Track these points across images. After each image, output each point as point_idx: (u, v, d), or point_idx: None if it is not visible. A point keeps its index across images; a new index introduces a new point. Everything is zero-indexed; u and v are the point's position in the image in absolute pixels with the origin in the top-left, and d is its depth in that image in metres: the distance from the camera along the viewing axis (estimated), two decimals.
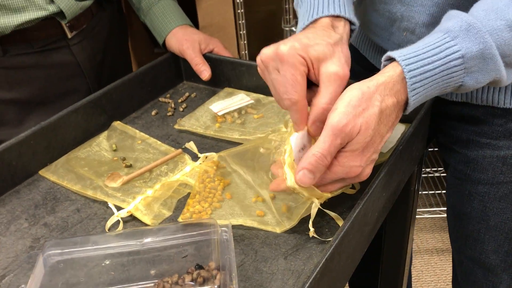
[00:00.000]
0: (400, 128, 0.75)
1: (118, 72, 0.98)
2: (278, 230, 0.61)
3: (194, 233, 0.54)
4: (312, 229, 0.58)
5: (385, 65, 0.56)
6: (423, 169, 1.81)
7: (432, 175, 1.82)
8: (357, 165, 0.53)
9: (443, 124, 0.78)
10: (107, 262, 0.55)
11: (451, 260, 1.69)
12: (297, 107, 0.55)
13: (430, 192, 1.82)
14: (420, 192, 1.82)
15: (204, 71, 0.89)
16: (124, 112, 0.88)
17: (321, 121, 0.54)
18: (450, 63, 0.53)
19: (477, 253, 0.77)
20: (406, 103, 0.55)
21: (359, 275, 1.13)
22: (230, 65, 0.92)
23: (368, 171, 0.55)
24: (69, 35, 0.84)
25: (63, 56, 0.85)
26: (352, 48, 0.90)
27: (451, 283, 1.61)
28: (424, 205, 1.82)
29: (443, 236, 1.77)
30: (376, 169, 0.65)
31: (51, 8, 0.78)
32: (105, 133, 0.82)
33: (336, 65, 0.55)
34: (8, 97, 0.84)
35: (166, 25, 0.93)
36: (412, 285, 1.62)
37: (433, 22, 0.65)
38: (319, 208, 0.58)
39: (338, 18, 0.61)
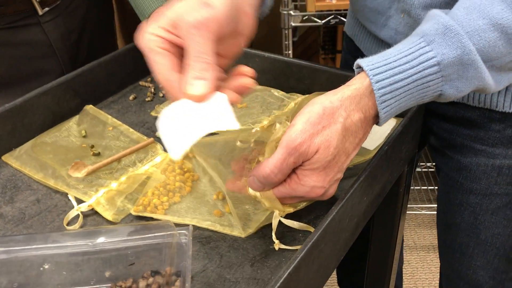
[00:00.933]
0: (391, 123, 0.69)
1: (98, 53, 0.92)
2: (233, 233, 0.56)
3: (151, 235, 0.49)
4: (276, 242, 0.53)
5: (358, 73, 0.51)
6: (422, 163, 1.76)
7: (432, 170, 1.76)
8: (319, 186, 0.48)
9: (435, 126, 0.71)
10: (56, 261, 0.50)
11: None
12: (165, 85, 0.47)
13: (430, 187, 1.76)
14: (418, 187, 1.77)
15: None
16: (100, 96, 0.83)
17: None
18: (424, 71, 0.47)
19: (465, 268, 0.72)
20: (377, 116, 0.49)
21: (346, 270, 1.09)
22: None
23: (331, 191, 0.50)
24: (40, 12, 0.78)
25: (34, 34, 0.79)
26: (348, 39, 0.84)
27: None
28: (422, 200, 1.76)
29: None
30: (358, 170, 0.60)
31: None
32: (76, 118, 0.77)
33: (193, 15, 0.44)
34: None
35: (149, 3, 0.87)
36: (407, 282, 1.58)
37: (430, 3, 0.58)
38: (284, 217, 0.54)
39: None
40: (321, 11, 1.27)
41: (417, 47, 0.47)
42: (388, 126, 0.69)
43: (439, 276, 0.84)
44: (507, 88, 0.61)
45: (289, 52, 1.30)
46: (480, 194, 0.67)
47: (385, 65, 0.47)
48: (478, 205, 0.68)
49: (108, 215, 0.59)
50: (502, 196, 0.66)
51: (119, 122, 0.76)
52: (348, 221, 0.54)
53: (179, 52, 0.48)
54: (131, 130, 0.74)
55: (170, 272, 0.47)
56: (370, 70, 0.47)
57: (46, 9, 0.79)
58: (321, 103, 0.47)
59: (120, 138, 0.72)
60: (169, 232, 0.49)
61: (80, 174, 0.65)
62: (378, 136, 0.67)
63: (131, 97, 0.83)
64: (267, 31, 1.77)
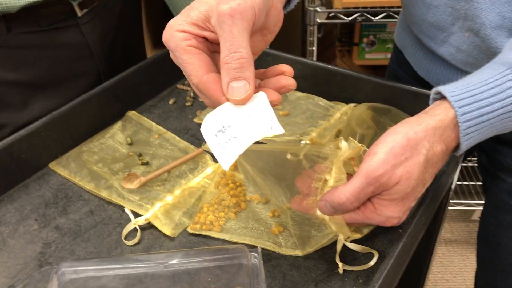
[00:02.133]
0: None
1: (131, 52, 0.91)
2: (291, 253, 0.56)
3: (221, 256, 0.50)
4: (340, 265, 0.53)
5: (434, 99, 0.50)
6: None
7: None
8: (395, 216, 0.48)
9: (489, 147, 0.71)
10: (125, 281, 0.51)
11: (459, 252, 1.67)
12: (200, 87, 0.44)
13: None
14: None
15: None
16: (140, 100, 0.83)
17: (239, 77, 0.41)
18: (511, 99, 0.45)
19: (507, 286, 0.73)
20: (457, 146, 0.49)
21: None
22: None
23: (404, 219, 0.50)
24: (79, 14, 0.77)
25: (72, 35, 0.78)
26: (396, 50, 0.83)
27: (457, 275, 1.59)
28: None
29: (452, 226, 1.75)
30: None
31: None
32: (119, 124, 0.76)
33: (222, 4, 0.41)
34: (11, 78, 0.77)
35: (187, 4, 0.86)
36: None
37: (502, 23, 0.57)
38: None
39: None
40: (348, 8, 1.26)
41: (505, 78, 0.46)
42: None
43: (458, 259, 0.83)
44: None
45: (314, 48, 1.29)
46: None
47: (471, 96, 0.46)
48: None
49: (166, 230, 0.60)
50: None
51: (164, 130, 0.75)
52: (412, 242, 0.54)
53: (213, 49, 0.46)
54: (177, 138, 0.74)
55: None
56: (456, 101, 0.46)
57: (85, 10, 0.78)
58: (405, 134, 0.46)
59: (166, 146, 0.72)
60: (240, 254, 0.50)
61: (133, 185, 0.65)
62: None
63: (170, 101, 0.83)
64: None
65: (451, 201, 1.70)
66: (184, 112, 0.81)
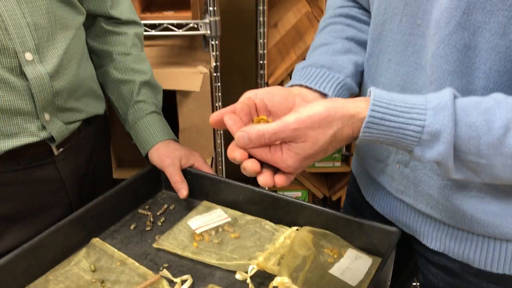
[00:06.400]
0: (367, 262, 0.79)
1: (99, 181, 1.00)
2: None
3: None
4: None
5: (368, 95, 0.59)
6: None
7: None
8: (294, 167, 0.59)
9: (423, 266, 0.81)
10: None
11: None
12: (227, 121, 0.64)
13: None
14: None
15: (182, 190, 0.93)
16: (104, 226, 0.90)
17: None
18: (409, 125, 0.56)
19: None
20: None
21: None
22: (209, 181, 0.96)
23: (297, 172, 0.61)
24: (56, 152, 0.86)
25: (48, 172, 0.86)
26: (353, 176, 0.96)
27: None
28: None
29: None
30: None
31: (43, 135, 0.81)
32: (83, 251, 0.83)
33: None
34: None
35: (150, 139, 0.97)
36: None
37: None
38: None
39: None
40: None
41: (417, 110, 0.56)
42: (366, 265, 0.79)
43: None
44: (481, 249, 0.69)
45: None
46: None
47: (387, 104, 0.57)
48: None
49: None
50: None
51: (125, 256, 0.83)
52: None
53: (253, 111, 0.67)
54: (137, 264, 0.81)
55: None
56: (374, 100, 0.57)
57: (61, 149, 0.87)
58: (328, 109, 0.57)
59: (127, 272, 0.79)
60: None
61: None
62: (358, 273, 0.77)
63: (132, 227, 0.91)
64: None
65: None
66: (144, 236, 0.89)
